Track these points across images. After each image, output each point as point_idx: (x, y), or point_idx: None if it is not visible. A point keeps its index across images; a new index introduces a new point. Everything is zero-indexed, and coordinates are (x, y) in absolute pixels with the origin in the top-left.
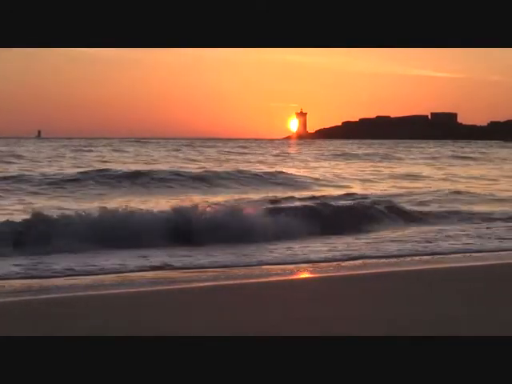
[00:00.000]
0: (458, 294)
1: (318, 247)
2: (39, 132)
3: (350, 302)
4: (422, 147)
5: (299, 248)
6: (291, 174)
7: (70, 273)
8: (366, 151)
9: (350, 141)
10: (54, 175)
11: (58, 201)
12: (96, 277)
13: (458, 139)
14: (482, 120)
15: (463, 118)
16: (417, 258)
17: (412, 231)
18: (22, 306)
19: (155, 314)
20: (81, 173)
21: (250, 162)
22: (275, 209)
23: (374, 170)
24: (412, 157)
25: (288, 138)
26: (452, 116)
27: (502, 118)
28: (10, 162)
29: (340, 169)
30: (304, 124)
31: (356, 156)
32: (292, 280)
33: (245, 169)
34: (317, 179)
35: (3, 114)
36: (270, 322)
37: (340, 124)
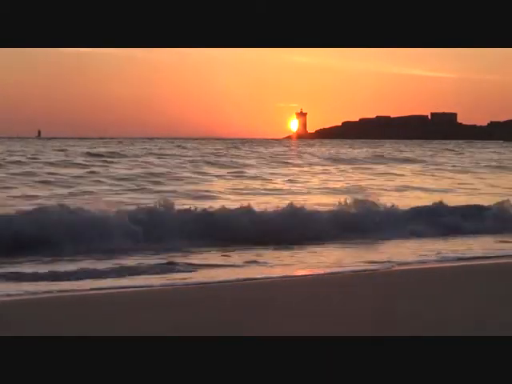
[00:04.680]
0: None
1: None
2: (39, 132)
3: None
4: None
5: None
6: None
7: None
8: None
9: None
10: None
11: None
12: None
13: (457, 139)
14: (482, 120)
15: (463, 118)
16: None
17: None
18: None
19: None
20: None
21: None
22: None
23: None
24: None
25: (288, 137)
26: (452, 116)
27: (502, 118)
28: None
29: None
30: (304, 124)
31: None
32: None
33: None
34: None
35: (3, 114)
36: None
37: (340, 124)
